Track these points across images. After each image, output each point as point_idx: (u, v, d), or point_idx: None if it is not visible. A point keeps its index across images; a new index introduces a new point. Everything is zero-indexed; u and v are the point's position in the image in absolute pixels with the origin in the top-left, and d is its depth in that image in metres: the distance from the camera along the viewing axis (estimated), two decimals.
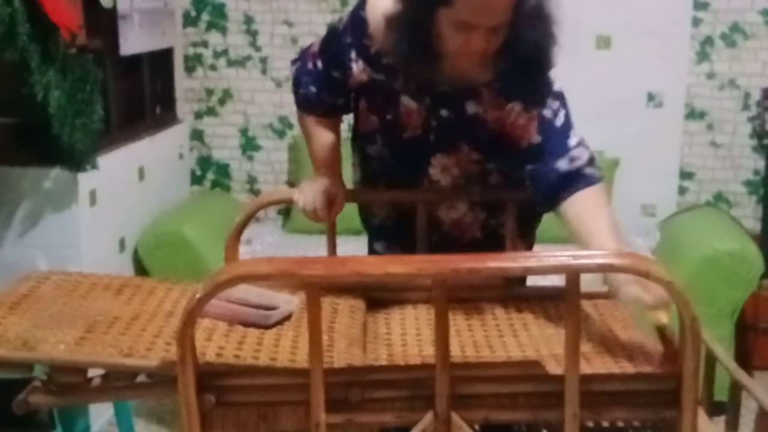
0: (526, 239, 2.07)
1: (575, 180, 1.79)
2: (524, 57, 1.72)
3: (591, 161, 1.81)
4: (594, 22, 3.68)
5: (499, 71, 1.77)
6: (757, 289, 3.20)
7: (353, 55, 1.85)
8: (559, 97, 1.85)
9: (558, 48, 1.75)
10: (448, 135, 1.88)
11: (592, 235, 1.71)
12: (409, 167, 1.94)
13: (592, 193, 1.78)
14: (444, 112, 1.86)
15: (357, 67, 1.85)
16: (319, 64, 1.93)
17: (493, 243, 1.99)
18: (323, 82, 1.93)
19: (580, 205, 1.77)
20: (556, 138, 1.82)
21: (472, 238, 2.01)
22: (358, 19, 1.84)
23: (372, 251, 2.15)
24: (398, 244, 2.07)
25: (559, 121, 1.83)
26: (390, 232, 2.09)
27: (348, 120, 2.07)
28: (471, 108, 1.84)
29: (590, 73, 3.69)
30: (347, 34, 1.86)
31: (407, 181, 1.96)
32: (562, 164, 1.79)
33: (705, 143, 3.78)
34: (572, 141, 1.82)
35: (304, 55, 1.99)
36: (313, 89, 1.95)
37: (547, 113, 1.82)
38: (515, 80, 1.78)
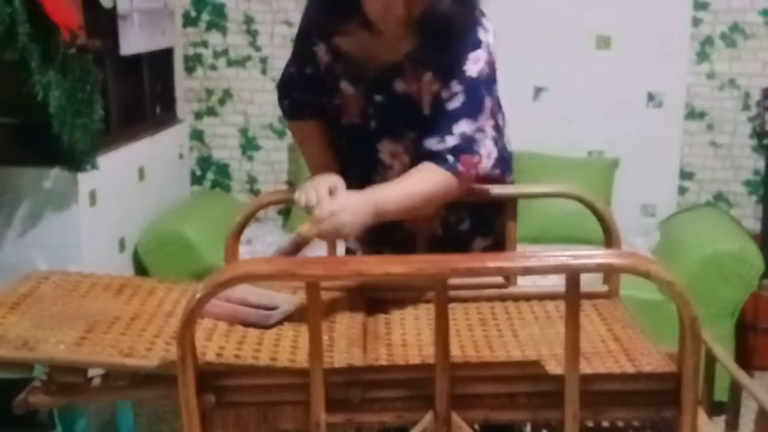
0: (488, 236, 2.05)
1: (430, 160, 1.81)
2: (437, 23, 1.73)
3: (457, 151, 1.80)
4: (594, 22, 3.68)
5: (420, 39, 1.79)
6: (757, 289, 3.20)
7: (315, 38, 1.89)
8: (469, 82, 1.82)
9: (475, 6, 1.78)
10: (387, 120, 1.90)
11: (383, 187, 1.78)
12: (358, 155, 1.96)
13: (424, 168, 1.80)
14: (378, 98, 1.88)
15: (320, 51, 1.89)
16: (292, 68, 1.98)
17: (453, 240, 2.00)
18: (301, 84, 1.96)
19: (409, 171, 1.81)
20: (441, 119, 1.82)
21: (432, 235, 2.00)
22: (311, 1, 1.89)
23: (347, 250, 2.16)
24: (368, 240, 2.06)
25: (453, 105, 1.82)
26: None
27: None
28: (399, 86, 1.85)
29: (590, 73, 3.69)
30: (306, 19, 1.92)
31: (361, 168, 1.96)
32: (431, 143, 1.81)
33: (705, 143, 3.78)
34: (456, 128, 1.81)
35: (284, 69, 2.04)
36: (295, 95, 1.99)
37: (444, 93, 1.82)
38: (433, 47, 1.79)
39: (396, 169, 1.93)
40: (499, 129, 1.96)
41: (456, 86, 1.81)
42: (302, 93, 1.97)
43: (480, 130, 1.83)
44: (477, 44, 1.80)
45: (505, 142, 2.02)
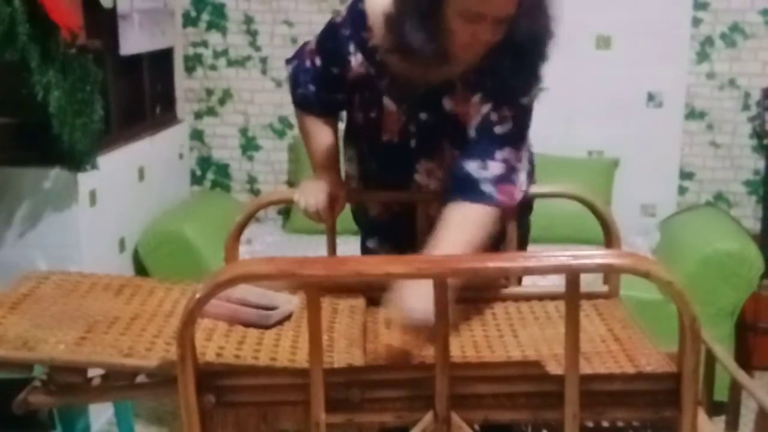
0: (518, 228, 2.05)
1: (468, 189, 1.75)
2: (517, 48, 1.71)
3: (498, 180, 1.75)
4: (594, 22, 3.68)
5: (485, 61, 1.76)
6: (757, 289, 3.19)
7: (352, 48, 1.85)
8: (520, 110, 1.80)
9: (553, 42, 1.74)
10: (429, 138, 1.88)
11: (431, 248, 1.69)
12: (394, 172, 1.94)
13: (468, 211, 1.73)
14: (423, 116, 1.86)
15: (355, 60, 1.85)
16: (317, 60, 1.93)
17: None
18: (322, 79, 1.93)
19: (451, 214, 1.73)
20: (486, 142, 1.78)
21: None
22: (356, 12, 1.84)
23: (364, 248, 2.15)
24: (391, 241, 2.06)
25: (500, 129, 1.78)
26: (384, 229, 2.08)
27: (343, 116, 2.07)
28: (447, 104, 1.83)
29: (590, 73, 3.69)
30: (346, 27, 1.86)
31: (394, 184, 1.96)
32: (472, 167, 1.76)
33: (705, 143, 3.78)
34: (499, 154, 1.77)
35: (300, 53, 1.98)
36: (312, 87, 1.95)
37: (493, 116, 1.79)
38: (494, 72, 1.76)
39: (431, 189, 1.92)
40: (531, 163, 1.95)
41: (507, 111, 1.78)
42: (320, 88, 1.94)
43: (519, 159, 1.81)
44: (538, 78, 1.78)
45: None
